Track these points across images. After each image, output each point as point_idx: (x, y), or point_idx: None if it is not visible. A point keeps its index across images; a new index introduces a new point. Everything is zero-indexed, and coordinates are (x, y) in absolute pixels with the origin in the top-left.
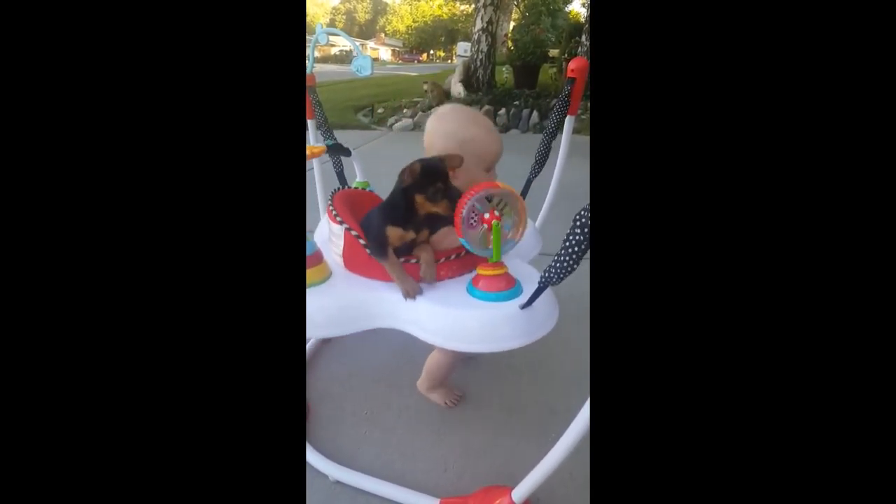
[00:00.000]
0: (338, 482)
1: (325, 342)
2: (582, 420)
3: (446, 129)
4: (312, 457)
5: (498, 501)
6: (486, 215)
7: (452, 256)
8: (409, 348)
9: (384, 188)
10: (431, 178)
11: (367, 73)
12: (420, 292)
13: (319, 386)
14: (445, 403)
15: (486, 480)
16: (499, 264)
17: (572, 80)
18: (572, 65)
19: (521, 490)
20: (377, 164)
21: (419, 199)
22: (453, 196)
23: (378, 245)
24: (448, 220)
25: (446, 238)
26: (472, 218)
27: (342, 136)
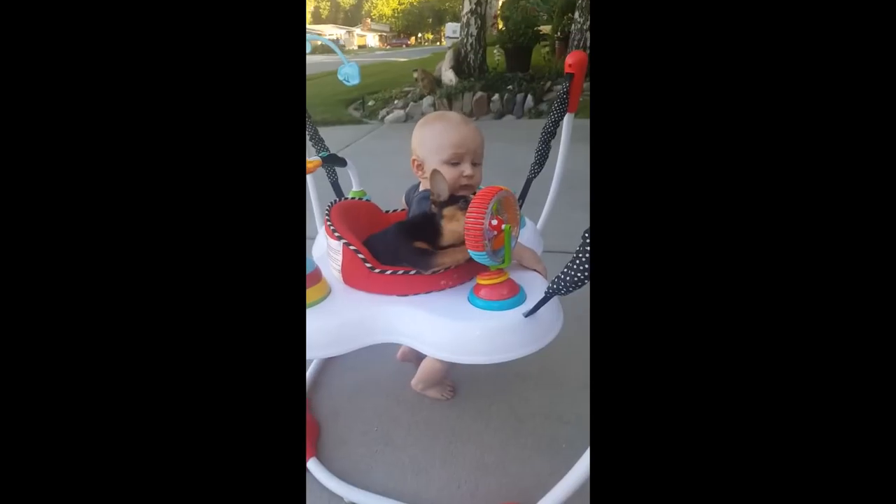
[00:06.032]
0: None
1: (330, 359)
2: None
3: (413, 146)
4: (325, 477)
5: None
6: (495, 222)
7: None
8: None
9: (380, 193)
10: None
11: (356, 81)
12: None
13: (328, 404)
14: (441, 396)
15: (500, 496)
16: (500, 272)
17: (570, 75)
18: (570, 59)
19: None
20: (372, 161)
21: (448, 212)
22: None
23: (418, 261)
24: None
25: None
26: (489, 236)
27: (334, 133)
